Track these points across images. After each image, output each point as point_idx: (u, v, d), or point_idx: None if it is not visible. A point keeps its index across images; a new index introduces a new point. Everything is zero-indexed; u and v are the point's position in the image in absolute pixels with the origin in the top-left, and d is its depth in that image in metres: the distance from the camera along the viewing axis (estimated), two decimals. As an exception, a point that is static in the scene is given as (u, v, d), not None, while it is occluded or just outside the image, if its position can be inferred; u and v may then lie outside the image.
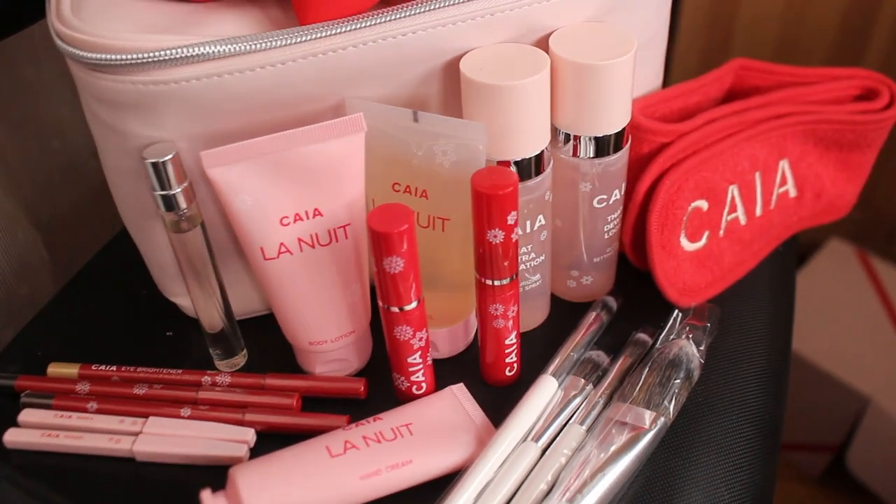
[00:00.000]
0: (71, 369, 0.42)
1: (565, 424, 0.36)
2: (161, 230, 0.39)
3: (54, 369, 0.42)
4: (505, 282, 0.35)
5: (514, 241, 0.34)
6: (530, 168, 0.36)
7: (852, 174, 0.48)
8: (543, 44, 0.36)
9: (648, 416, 0.35)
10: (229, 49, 0.33)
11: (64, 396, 0.40)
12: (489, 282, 0.35)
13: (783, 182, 0.45)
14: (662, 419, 0.35)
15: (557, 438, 0.36)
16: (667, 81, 0.45)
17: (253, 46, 0.33)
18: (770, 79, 0.46)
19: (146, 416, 0.39)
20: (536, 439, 0.35)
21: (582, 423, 0.36)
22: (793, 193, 0.46)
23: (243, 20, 0.35)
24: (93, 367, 0.41)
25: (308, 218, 0.35)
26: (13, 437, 0.39)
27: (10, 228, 0.53)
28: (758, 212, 0.45)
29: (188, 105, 0.34)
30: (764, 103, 0.44)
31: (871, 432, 0.94)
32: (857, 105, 0.45)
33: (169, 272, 0.42)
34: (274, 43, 0.33)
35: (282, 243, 0.35)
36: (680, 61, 1.06)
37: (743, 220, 0.44)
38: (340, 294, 0.37)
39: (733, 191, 0.43)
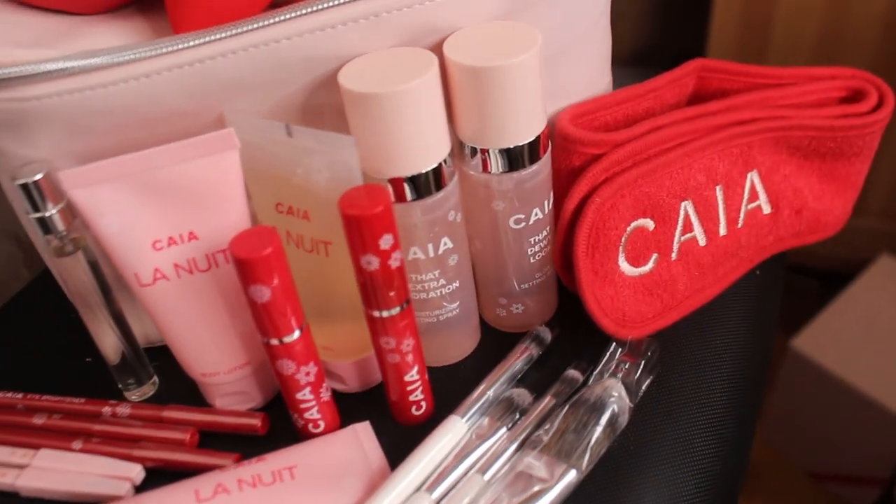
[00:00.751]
0: (-23, 395, 0.40)
1: (466, 473, 0.32)
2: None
3: (-41, 394, 0.41)
4: (394, 312, 0.32)
5: (394, 267, 0.30)
6: (428, 184, 0.32)
7: (840, 187, 0.42)
8: (439, 48, 0.32)
9: (557, 468, 0.31)
10: (88, 63, 0.31)
11: (-36, 424, 0.39)
12: (376, 313, 0.32)
13: (753, 197, 0.40)
14: (573, 471, 0.31)
15: (455, 489, 0.32)
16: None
17: (113, 60, 0.31)
18: (739, 81, 0.41)
19: (39, 447, 0.37)
20: (431, 490, 0.32)
21: (484, 473, 0.32)
22: (766, 210, 0.41)
23: (122, 31, 0.33)
24: (-1, 394, 0.40)
25: (183, 241, 0.33)
26: None
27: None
28: (721, 231, 0.40)
29: (57, 122, 0.32)
30: (723, 108, 0.39)
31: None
32: (838, 108, 0.40)
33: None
34: (136, 55, 0.31)
35: (156, 268, 0.33)
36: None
37: (702, 241, 0.39)
38: (228, 323, 0.35)
39: (686, 207, 0.38)
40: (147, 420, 0.38)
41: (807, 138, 0.40)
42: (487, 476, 0.32)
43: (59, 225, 0.34)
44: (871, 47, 1.01)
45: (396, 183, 0.32)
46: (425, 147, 0.32)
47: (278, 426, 0.37)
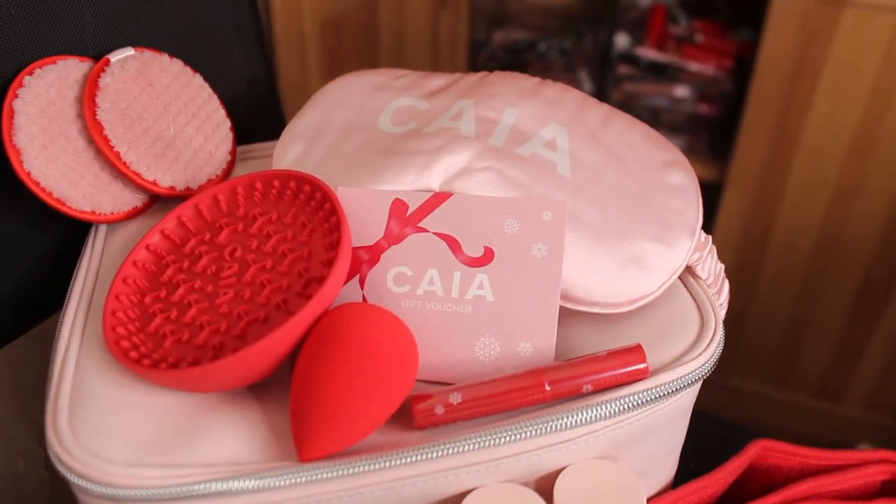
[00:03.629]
0: None
1: None
2: None
3: None
4: None
5: None
6: None
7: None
8: (548, 482, 0.36)
9: None
10: (221, 488, 0.33)
11: None
12: None
13: (800, 572, 0.44)
14: None
15: None
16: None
17: (246, 486, 0.33)
18: (792, 461, 0.45)
19: None
20: None
21: None
22: (810, 581, 0.45)
23: (239, 430, 0.36)
24: None
25: None
26: None
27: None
28: None
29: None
30: (785, 501, 0.43)
31: None
32: (884, 502, 0.44)
33: None
34: (270, 483, 0.33)
35: None
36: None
37: None
38: None
39: None
40: None
41: (854, 527, 0.44)
42: None
43: None
44: (867, 249, 1.09)
45: None
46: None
47: None
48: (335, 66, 0.99)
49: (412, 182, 0.41)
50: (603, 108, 0.46)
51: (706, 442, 0.50)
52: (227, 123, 0.51)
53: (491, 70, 0.49)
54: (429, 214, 0.40)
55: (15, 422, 0.55)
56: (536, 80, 0.46)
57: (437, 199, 0.40)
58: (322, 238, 0.39)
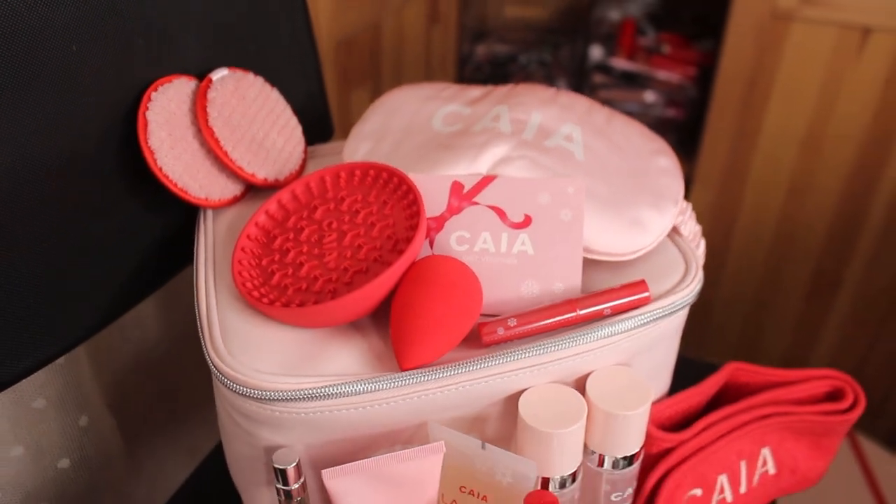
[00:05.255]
0: None
1: None
2: (262, 495, 0.53)
3: None
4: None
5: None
6: (566, 480, 0.49)
7: (822, 453, 0.62)
8: (582, 381, 0.50)
9: None
10: (345, 390, 0.47)
11: None
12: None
13: (764, 464, 0.59)
14: None
15: None
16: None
17: (364, 388, 0.47)
18: (757, 377, 0.60)
19: None
20: None
21: None
22: (772, 471, 0.60)
23: (354, 352, 0.49)
24: None
25: (395, 514, 0.48)
26: None
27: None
28: (742, 490, 0.58)
29: (309, 426, 0.48)
30: (750, 407, 0.58)
31: None
32: (827, 405, 0.59)
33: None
34: (380, 386, 0.47)
35: (372, 533, 0.48)
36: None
37: (729, 498, 0.58)
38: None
39: (722, 479, 0.56)
40: None
41: (805, 424, 0.59)
42: None
43: (296, 495, 0.49)
44: (819, 239, 1.26)
45: (545, 479, 0.49)
46: (571, 460, 0.49)
47: None
48: (346, 81, 1.13)
49: (465, 168, 0.55)
50: (606, 110, 0.61)
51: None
52: (300, 128, 0.65)
53: (479, 81, 0.63)
54: (480, 192, 0.54)
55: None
56: (553, 90, 0.61)
57: (486, 180, 0.54)
58: (401, 211, 0.53)
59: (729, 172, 1.24)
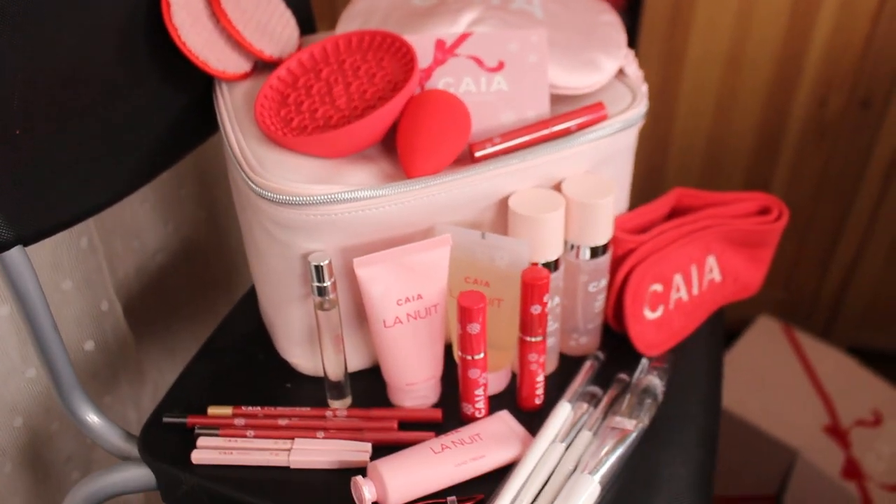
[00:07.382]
0: (226, 410, 0.64)
1: (578, 432, 0.61)
2: (296, 309, 0.64)
3: (213, 410, 0.64)
4: (539, 339, 0.60)
5: (546, 312, 0.59)
6: (551, 266, 0.62)
7: (758, 265, 0.76)
8: (558, 187, 0.63)
9: (630, 423, 0.61)
10: (368, 194, 0.58)
11: (227, 428, 0.63)
12: (529, 339, 0.60)
13: (711, 270, 0.73)
14: (641, 425, 0.61)
15: (574, 440, 0.60)
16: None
17: (382, 192, 0.58)
18: (700, 200, 0.74)
19: (292, 438, 0.62)
20: (562, 441, 0.60)
21: (590, 430, 0.61)
22: (718, 279, 0.74)
23: (368, 172, 0.61)
24: (242, 408, 0.64)
25: (413, 300, 0.60)
26: (199, 455, 0.61)
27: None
28: (694, 291, 0.72)
29: (339, 228, 0.59)
30: (695, 219, 0.71)
31: (801, 481, 1.21)
32: (757, 218, 0.73)
33: (294, 339, 0.66)
34: (396, 191, 0.59)
35: (397, 317, 0.60)
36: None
37: (685, 298, 0.71)
38: (429, 350, 0.62)
39: (678, 278, 0.70)
40: (361, 417, 0.63)
41: (741, 235, 0.73)
42: (591, 431, 0.61)
43: (329, 292, 0.60)
44: (744, 158, 1.42)
45: (534, 265, 0.61)
46: (554, 246, 0.61)
47: (446, 416, 0.64)
48: None
49: (446, 30, 0.67)
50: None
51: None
52: (294, 18, 0.76)
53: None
54: (460, 45, 0.66)
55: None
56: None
57: (464, 36, 0.66)
58: (397, 62, 0.65)
59: (661, 91, 1.39)
